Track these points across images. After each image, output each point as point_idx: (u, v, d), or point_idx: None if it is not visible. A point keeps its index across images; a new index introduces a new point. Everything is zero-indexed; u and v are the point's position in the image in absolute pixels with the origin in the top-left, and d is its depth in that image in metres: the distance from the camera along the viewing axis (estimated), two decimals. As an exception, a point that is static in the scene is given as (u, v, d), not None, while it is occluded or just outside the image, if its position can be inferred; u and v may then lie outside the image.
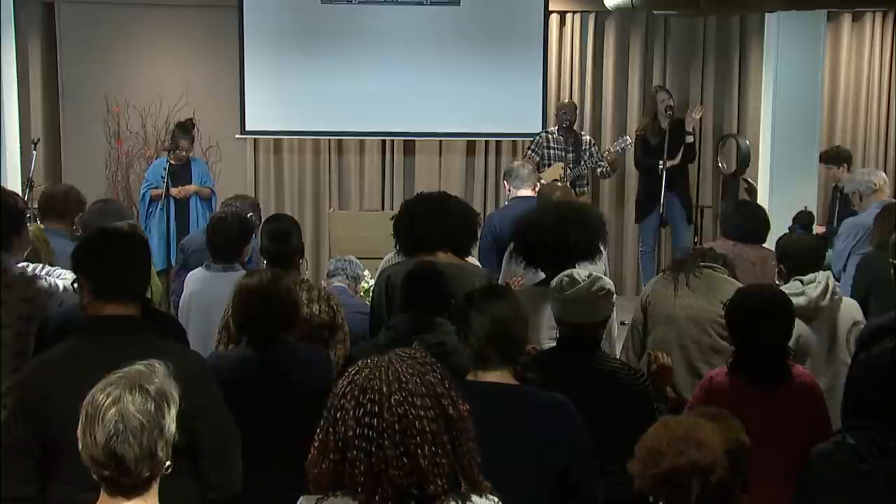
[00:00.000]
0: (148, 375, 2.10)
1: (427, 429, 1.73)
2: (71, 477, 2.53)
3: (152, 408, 2.05)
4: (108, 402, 2.05)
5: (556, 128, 8.12)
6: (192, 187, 7.82)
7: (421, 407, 1.74)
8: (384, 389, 1.75)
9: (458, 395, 1.81)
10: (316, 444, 1.80)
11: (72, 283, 2.99)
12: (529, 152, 8.11)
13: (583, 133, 8.26)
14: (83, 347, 2.70)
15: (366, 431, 1.73)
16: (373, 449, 1.72)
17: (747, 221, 5.05)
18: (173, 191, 7.73)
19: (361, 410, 1.74)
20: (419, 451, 1.72)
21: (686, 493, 2.34)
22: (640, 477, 2.39)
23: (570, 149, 7.93)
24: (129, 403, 2.04)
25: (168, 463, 2.09)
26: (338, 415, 1.77)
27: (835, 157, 7.42)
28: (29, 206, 7.36)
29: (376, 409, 1.73)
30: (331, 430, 1.78)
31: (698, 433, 2.39)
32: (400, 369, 1.77)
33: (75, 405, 2.51)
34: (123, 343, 2.62)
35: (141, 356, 2.25)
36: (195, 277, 4.67)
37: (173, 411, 2.08)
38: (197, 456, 2.69)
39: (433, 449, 1.73)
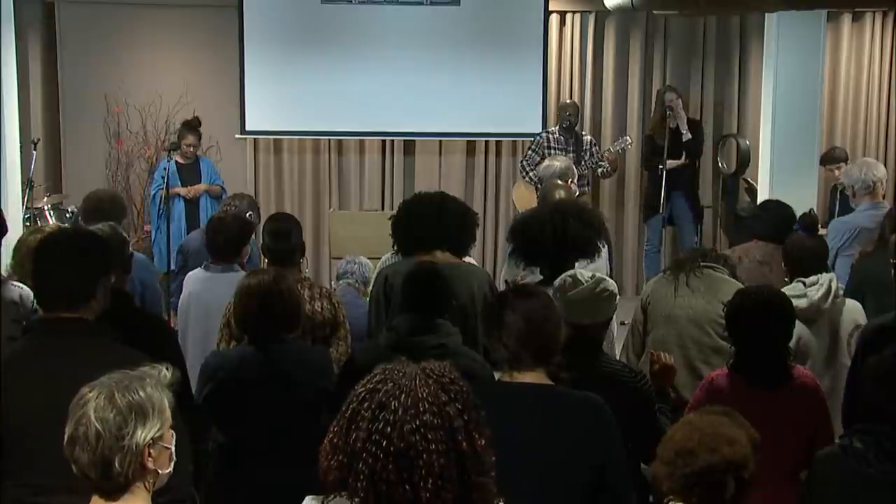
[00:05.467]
0: (129, 384, 2.07)
1: (434, 463, 1.68)
2: (20, 479, 2.51)
3: (113, 418, 2.02)
4: (82, 401, 2.05)
5: (557, 128, 8.13)
6: (201, 186, 7.84)
7: (432, 440, 1.69)
8: (400, 413, 1.69)
9: (477, 427, 1.76)
10: (329, 437, 1.76)
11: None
12: (530, 152, 8.11)
13: (584, 133, 8.26)
14: (28, 350, 2.67)
15: (373, 449, 1.69)
16: (377, 468, 1.68)
17: (781, 221, 5.00)
18: (182, 190, 7.75)
19: (373, 426, 1.70)
20: (421, 483, 1.68)
21: (720, 491, 2.34)
22: (669, 478, 2.39)
23: (571, 149, 7.94)
24: (92, 410, 2.02)
25: (158, 472, 2.09)
26: (355, 418, 1.73)
27: (831, 158, 7.47)
28: (28, 206, 7.40)
29: (387, 431, 1.69)
30: (343, 429, 1.74)
31: (727, 430, 2.40)
32: (421, 395, 1.71)
33: (24, 406, 2.49)
34: (67, 346, 2.59)
35: (86, 358, 2.22)
36: (194, 278, 4.67)
37: (150, 426, 2.05)
38: None
39: (438, 483, 1.68)
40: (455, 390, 1.75)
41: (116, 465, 2.02)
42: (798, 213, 5.18)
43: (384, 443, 1.68)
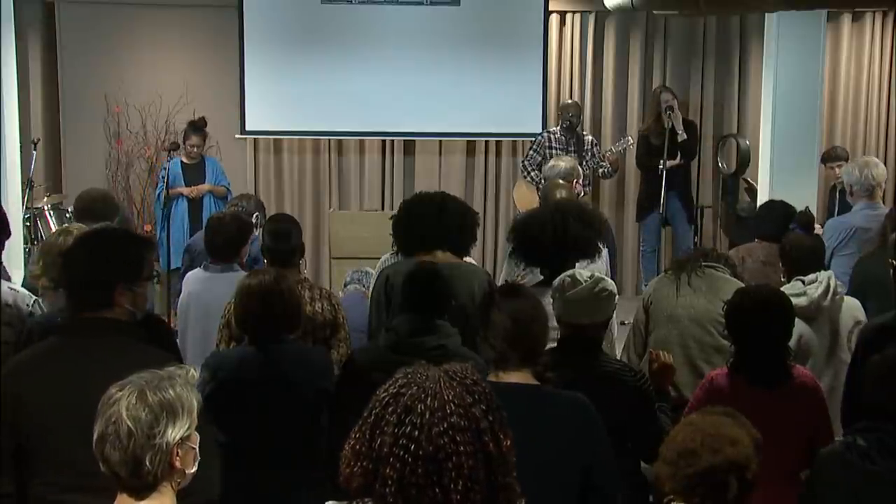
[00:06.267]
0: (159, 383, 2.09)
1: (464, 464, 1.67)
2: (45, 478, 2.53)
3: (145, 416, 2.03)
4: (112, 400, 2.06)
5: (559, 127, 8.14)
6: (205, 186, 7.86)
7: (461, 443, 1.68)
8: (427, 416, 1.68)
9: (501, 427, 1.76)
10: (351, 443, 1.74)
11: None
12: (531, 152, 8.11)
13: (585, 133, 8.26)
14: (57, 347, 2.69)
15: (401, 453, 1.67)
16: (406, 472, 1.66)
17: (784, 222, 5.02)
18: (185, 190, 7.77)
19: (400, 431, 1.68)
20: (451, 486, 1.66)
21: (723, 491, 2.35)
22: (671, 479, 2.39)
23: (573, 149, 7.94)
24: (124, 408, 2.03)
25: (184, 472, 2.10)
26: (379, 423, 1.71)
27: (832, 156, 7.48)
28: (28, 206, 7.40)
29: (416, 435, 1.67)
30: (367, 435, 1.72)
31: (729, 430, 2.41)
32: (447, 398, 1.70)
33: (46, 404, 2.51)
34: (92, 343, 2.61)
35: (108, 357, 2.24)
36: (194, 278, 4.67)
37: (179, 425, 2.07)
38: None
39: (467, 484, 1.67)
40: (479, 391, 1.74)
41: (147, 463, 2.03)
42: (797, 213, 5.19)
43: (412, 447, 1.66)
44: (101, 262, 2.75)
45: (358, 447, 1.72)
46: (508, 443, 1.75)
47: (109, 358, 2.38)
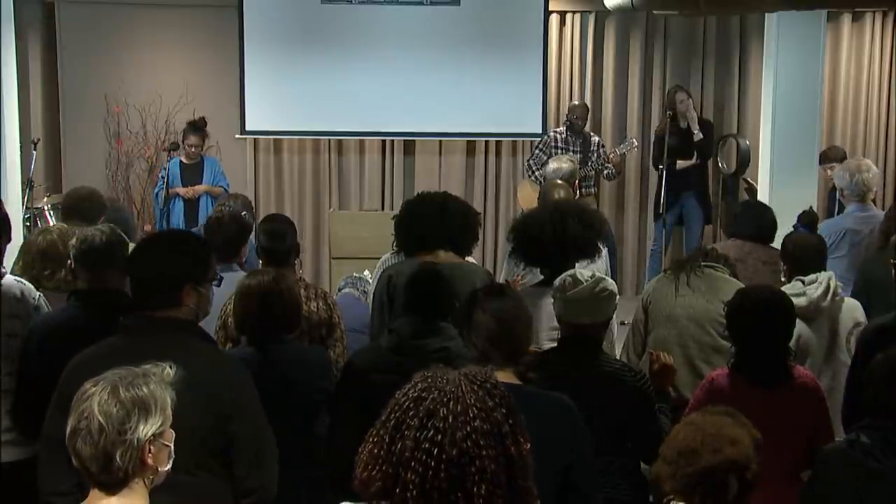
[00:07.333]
0: (133, 380, 2.09)
1: (486, 468, 1.66)
2: None
3: (116, 412, 2.04)
4: (85, 395, 2.07)
5: (565, 128, 8.13)
6: (201, 187, 7.85)
7: (484, 447, 1.66)
8: (450, 420, 1.66)
9: (521, 431, 1.74)
10: (369, 447, 1.71)
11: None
12: (537, 151, 8.12)
13: (591, 134, 8.25)
14: (120, 345, 2.70)
15: (424, 458, 1.65)
16: (428, 476, 1.64)
17: (758, 221, 5.06)
18: (181, 191, 7.77)
19: (422, 435, 1.66)
20: (474, 490, 1.65)
21: (723, 491, 2.35)
22: (671, 478, 2.39)
23: (578, 149, 7.94)
24: (96, 403, 2.04)
25: (157, 469, 2.10)
26: (400, 427, 1.68)
27: (825, 157, 7.49)
28: (28, 206, 7.40)
29: (438, 439, 1.65)
30: (386, 439, 1.69)
31: (730, 430, 2.41)
32: (469, 402, 1.69)
33: None
34: (159, 343, 2.62)
35: (175, 357, 2.26)
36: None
37: (152, 422, 2.07)
38: (232, 459, 2.68)
39: (489, 489, 1.66)
40: (499, 395, 1.73)
41: (117, 459, 2.04)
42: (796, 214, 5.19)
43: (435, 451, 1.65)
44: (173, 261, 2.79)
45: (376, 451, 1.69)
46: (528, 446, 1.74)
47: (178, 357, 2.38)
